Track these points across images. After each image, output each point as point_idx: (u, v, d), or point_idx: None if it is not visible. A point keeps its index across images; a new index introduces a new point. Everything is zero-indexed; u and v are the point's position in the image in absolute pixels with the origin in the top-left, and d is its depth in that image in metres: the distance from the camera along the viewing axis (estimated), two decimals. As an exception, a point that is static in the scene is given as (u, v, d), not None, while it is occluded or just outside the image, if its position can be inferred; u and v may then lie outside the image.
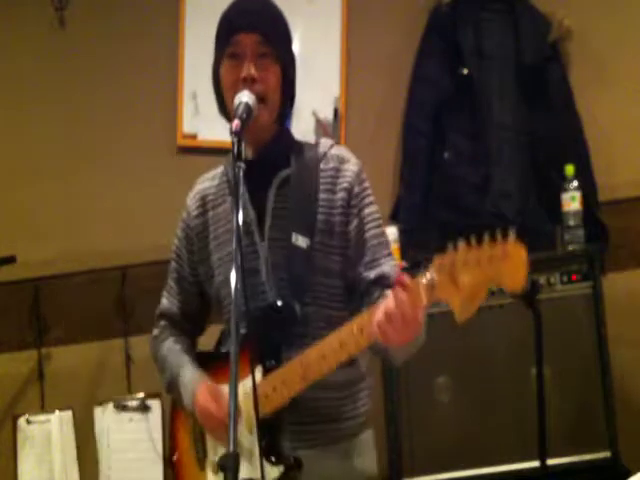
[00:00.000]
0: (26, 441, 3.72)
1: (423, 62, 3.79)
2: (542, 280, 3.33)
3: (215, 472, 2.15)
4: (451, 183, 3.69)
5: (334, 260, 2.13)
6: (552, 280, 3.36)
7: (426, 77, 3.77)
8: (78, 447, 3.73)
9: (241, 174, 1.88)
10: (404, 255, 3.57)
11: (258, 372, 2.03)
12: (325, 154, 2.19)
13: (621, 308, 3.61)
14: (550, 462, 2.97)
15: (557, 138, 3.70)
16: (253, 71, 2.08)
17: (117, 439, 3.67)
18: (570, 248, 3.48)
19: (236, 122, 1.96)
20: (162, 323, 2.37)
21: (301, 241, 2.09)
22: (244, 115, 1.99)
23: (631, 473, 2.20)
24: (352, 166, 2.17)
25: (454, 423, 3.32)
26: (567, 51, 3.78)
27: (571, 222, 3.50)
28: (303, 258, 2.09)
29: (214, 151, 3.64)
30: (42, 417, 3.73)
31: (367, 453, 2.20)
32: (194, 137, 3.88)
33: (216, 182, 2.28)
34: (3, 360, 3.88)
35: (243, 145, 1.91)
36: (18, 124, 3.95)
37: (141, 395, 3.69)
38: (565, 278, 3.37)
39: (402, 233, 3.61)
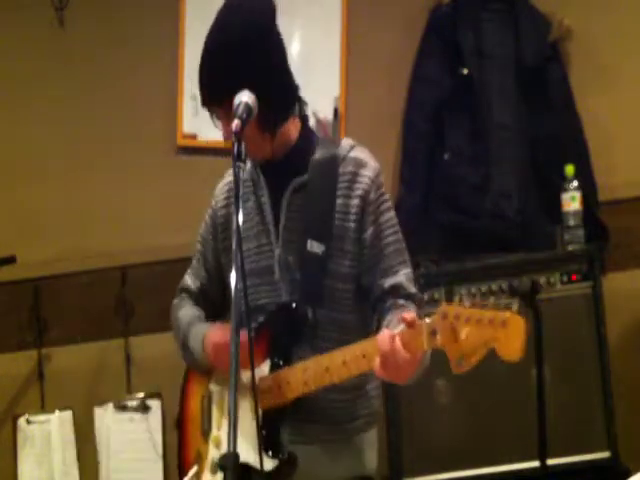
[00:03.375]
0: (26, 441, 3.73)
1: (423, 62, 3.79)
2: (542, 280, 3.33)
3: (217, 447, 2.20)
4: (451, 183, 3.68)
5: (347, 265, 2.15)
6: (552, 280, 3.36)
7: (426, 77, 3.77)
8: (78, 447, 3.73)
9: (241, 174, 1.90)
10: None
11: (266, 366, 2.11)
12: (344, 157, 2.19)
13: (621, 308, 3.61)
14: (550, 462, 2.97)
15: (557, 138, 3.69)
16: (227, 134, 2.10)
17: (117, 439, 3.68)
18: (570, 248, 3.48)
19: (236, 122, 1.96)
20: (182, 295, 2.42)
21: (316, 247, 2.12)
22: (244, 115, 1.99)
23: (631, 473, 2.20)
24: (369, 171, 2.17)
25: (454, 423, 3.32)
26: (567, 51, 3.78)
27: (571, 222, 3.49)
28: (318, 264, 2.12)
29: (214, 151, 3.64)
30: (42, 417, 3.73)
31: (365, 452, 2.21)
32: (194, 137, 3.87)
33: (244, 177, 2.22)
34: (3, 360, 3.88)
35: (243, 145, 1.92)
36: (18, 124, 3.95)
37: (141, 395, 3.70)
38: (565, 278, 3.36)
39: (402, 233, 3.60)
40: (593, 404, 3.31)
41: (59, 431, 3.71)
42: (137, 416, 3.68)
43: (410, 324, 1.85)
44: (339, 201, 2.15)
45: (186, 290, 2.42)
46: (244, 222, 2.19)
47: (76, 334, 3.87)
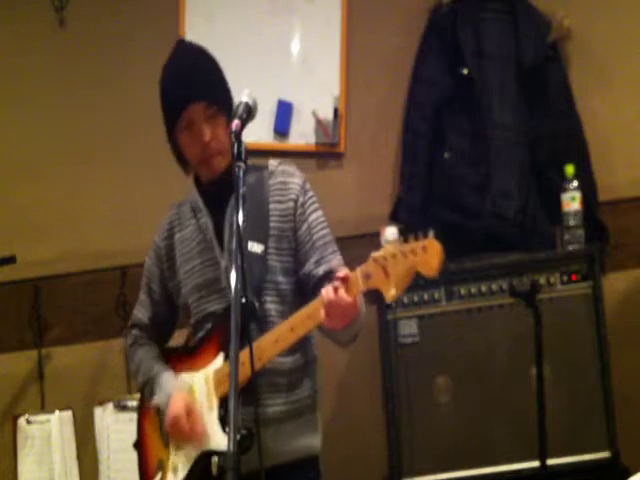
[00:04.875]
0: (26, 441, 3.73)
1: (423, 62, 3.79)
2: (542, 280, 3.33)
3: (176, 449, 2.43)
4: (451, 183, 3.68)
5: (286, 261, 2.42)
6: (552, 280, 3.36)
7: (426, 77, 3.77)
8: (78, 447, 3.73)
9: (241, 174, 1.91)
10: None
11: (220, 359, 2.34)
12: (273, 171, 2.47)
13: (621, 308, 3.61)
14: (550, 462, 2.96)
15: (557, 138, 3.69)
16: (209, 137, 2.36)
17: (117, 439, 3.67)
18: (570, 248, 3.48)
19: (236, 122, 1.98)
20: (134, 332, 2.67)
21: (256, 247, 2.36)
22: (244, 115, 2.01)
23: (631, 473, 2.20)
24: (297, 179, 2.46)
25: (454, 423, 3.32)
26: (567, 51, 3.78)
27: (571, 222, 3.49)
28: (259, 261, 2.36)
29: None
30: (42, 417, 3.73)
31: (312, 432, 2.44)
32: (194, 137, 3.87)
33: (182, 208, 2.58)
34: (3, 360, 3.88)
35: (243, 145, 1.93)
36: (18, 124, 3.95)
37: (141, 395, 3.69)
38: (565, 278, 3.37)
39: (402, 233, 3.60)
40: (593, 404, 3.31)
41: (59, 431, 3.71)
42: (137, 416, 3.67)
43: (344, 279, 2.10)
44: (273, 206, 2.41)
45: (137, 325, 2.66)
46: (184, 246, 2.50)
47: (76, 334, 3.87)
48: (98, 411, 3.70)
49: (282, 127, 3.87)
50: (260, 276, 2.36)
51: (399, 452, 3.33)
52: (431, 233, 1.98)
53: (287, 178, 2.45)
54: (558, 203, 3.53)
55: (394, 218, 3.72)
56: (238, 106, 2.04)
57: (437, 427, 3.33)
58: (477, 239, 3.58)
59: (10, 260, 3.64)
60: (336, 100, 3.87)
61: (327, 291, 2.12)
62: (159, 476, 2.48)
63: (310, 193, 2.46)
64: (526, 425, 3.10)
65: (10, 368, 3.87)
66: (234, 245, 1.89)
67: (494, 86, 3.69)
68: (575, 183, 3.52)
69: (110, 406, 3.69)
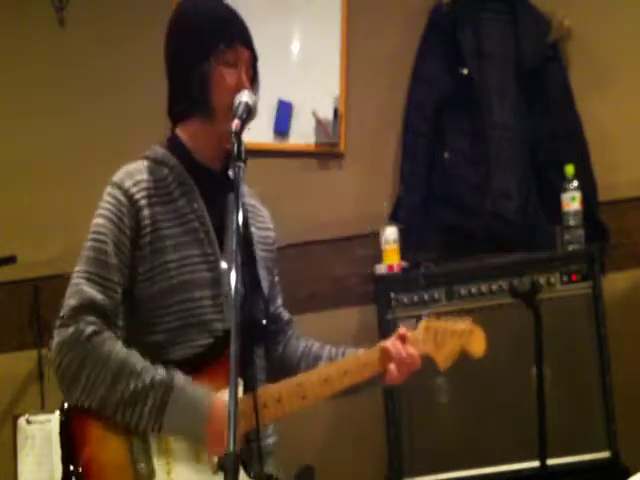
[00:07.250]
0: (26, 441, 3.72)
1: (423, 62, 3.79)
2: (542, 280, 3.33)
3: None
4: (451, 183, 3.68)
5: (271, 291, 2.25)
6: (552, 280, 3.36)
7: (426, 77, 3.77)
8: (78, 447, 3.73)
9: (241, 174, 1.88)
10: (404, 255, 3.57)
11: (240, 387, 1.92)
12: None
13: (621, 308, 3.61)
14: (550, 462, 2.96)
15: (557, 138, 3.70)
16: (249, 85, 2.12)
17: (117, 439, 3.67)
18: (570, 248, 3.48)
19: (236, 122, 1.96)
20: (89, 319, 2.04)
21: (262, 272, 2.16)
22: (244, 115, 1.99)
23: (631, 473, 2.20)
24: (266, 210, 2.29)
25: (454, 423, 3.33)
26: (567, 51, 3.78)
27: (571, 222, 3.49)
28: (264, 284, 2.18)
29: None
30: (42, 417, 3.73)
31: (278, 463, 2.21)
32: (194, 137, 3.87)
33: (152, 177, 2.14)
34: (3, 360, 3.88)
35: (243, 145, 1.92)
36: (18, 124, 3.94)
37: (141, 395, 3.69)
38: (565, 278, 3.37)
39: (402, 233, 3.61)
40: (593, 404, 3.31)
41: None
42: (137, 416, 3.67)
43: (404, 337, 2.12)
44: (253, 229, 2.19)
45: (94, 309, 2.02)
46: (171, 225, 2.05)
47: (76, 334, 3.86)
48: (98, 411, 3.69)
49: (282, 127, 3.87)
50: (262, 295, 2.15)
51: (399, 452, 3.33)
52: (468, 320, 2.14)
53: (258, 204, 2.27)
54: (558, 203, 3.53)
55: (394, 218, 3.72)
56: (238, 106, 2.01)
57: (437, 427, 3.33)
58: (477, 239, 3.58)
59: (10, 260, 3.64)
60: (336, 100, 3.87)
61: (395, 346, 2.10)
62: None
63: None
64: (526, 425, 3.09)
65: (10, 368, 3.87)
66: (234, 245, 1.78)
67: (494, 86, 3.70)
68: (575, 183, 3.52)
69: (110, 406, 3.68)
